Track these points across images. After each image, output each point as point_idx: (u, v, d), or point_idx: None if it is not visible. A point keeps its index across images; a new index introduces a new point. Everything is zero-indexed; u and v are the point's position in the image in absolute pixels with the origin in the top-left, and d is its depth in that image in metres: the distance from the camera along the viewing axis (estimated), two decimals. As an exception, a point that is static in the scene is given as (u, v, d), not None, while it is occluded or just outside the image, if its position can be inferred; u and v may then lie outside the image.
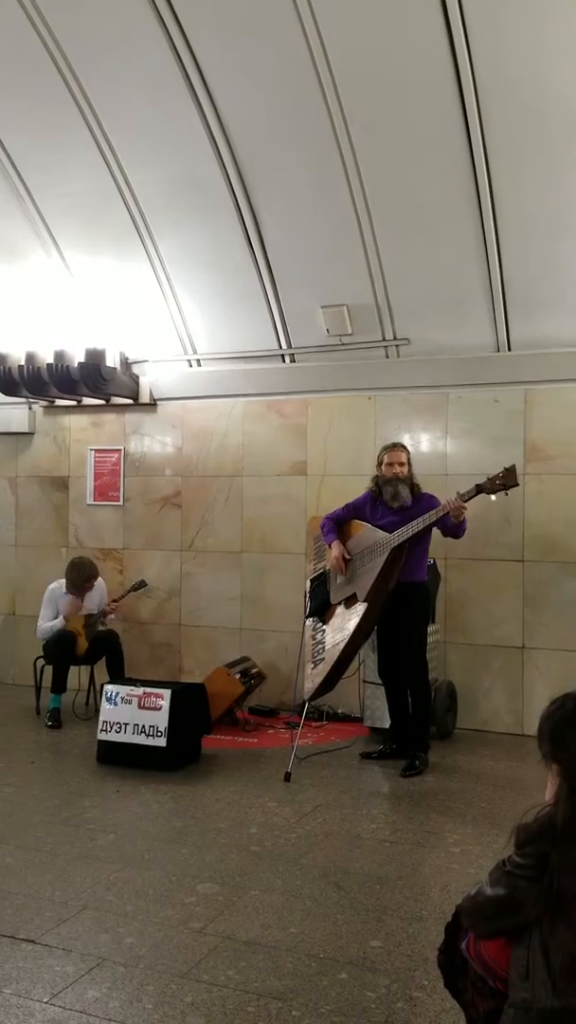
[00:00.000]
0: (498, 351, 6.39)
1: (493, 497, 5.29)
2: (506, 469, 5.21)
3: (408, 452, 5.68)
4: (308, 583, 5.85)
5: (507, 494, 5.28)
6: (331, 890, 3.79)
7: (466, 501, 5.23)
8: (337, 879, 3.90)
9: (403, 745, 5.60)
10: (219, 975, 3.07)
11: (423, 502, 5.47)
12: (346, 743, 6.12)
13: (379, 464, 5.64)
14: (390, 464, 5.55)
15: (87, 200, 6.69)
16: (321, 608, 5.63)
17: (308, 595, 5.80)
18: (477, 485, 5.23)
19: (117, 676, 6.53)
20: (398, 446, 5.69)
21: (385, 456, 5.60)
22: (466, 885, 2.36)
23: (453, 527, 5.38)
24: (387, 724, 5.93)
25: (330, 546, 5.62)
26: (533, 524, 6.33)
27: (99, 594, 6.93)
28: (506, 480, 5.18)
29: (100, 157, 6.37)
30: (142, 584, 7.10)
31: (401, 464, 5.55)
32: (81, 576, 6.76)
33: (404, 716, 5.66)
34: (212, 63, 5.74)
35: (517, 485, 5.26)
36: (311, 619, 5.70)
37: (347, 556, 5.50)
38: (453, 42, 5.19)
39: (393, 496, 5.49)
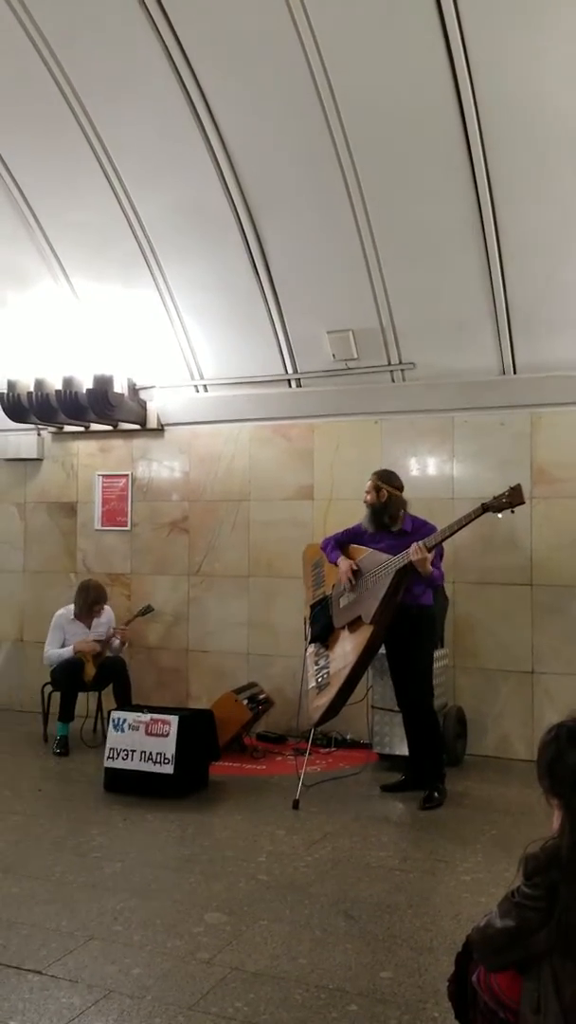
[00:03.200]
0: (503, 374, 6.40)
1: (500, 515, 5.26)
2: (511, 488, 5.19)
3: (376, 477, 5.64)
4: (308, 609, 5.83)
5: (513, 512, 5.25)
6: (341, 920, 3.74)
7: (431, 548, 5.17)
8: (347, 908, 3.85)
9: (419, 774, 5.52)
10: (227, 1007, 3.03)
11: (425, 529, 5.46)
12: (355, 770, 6.07)
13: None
14: (365, 493, 5.61)
15: (95, 228, 6.76)
16: (324, 633, 5.61)
17: (309, 621, 5.77)
18: (483, 504, 5.20)
19: (124, 703, 6.51)
20: (372, 475, 5.69)
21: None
22: (478, 914, 2.33)
23: (423, 580, 5.29)
24: (397, 750, 5.89)
25: (336, 563, 5.61)
26: (541, 547, 6.30)
27: (107, 621, 6.93)
28: (512, 498, 5.15)
29: (107, 185, 6.44)
30: (149, 609, 7.10)
31: (367, 492, 5.59)
32: (91, 599, 6.79)
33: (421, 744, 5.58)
34: (216, 92, 5.81)
35: (523, 503, 5.23)
36: (313, 645, 5.68)
37: (355, 567, 5.48)
38: (454, 66, 5.24)
39: (370, 522, 5.56)
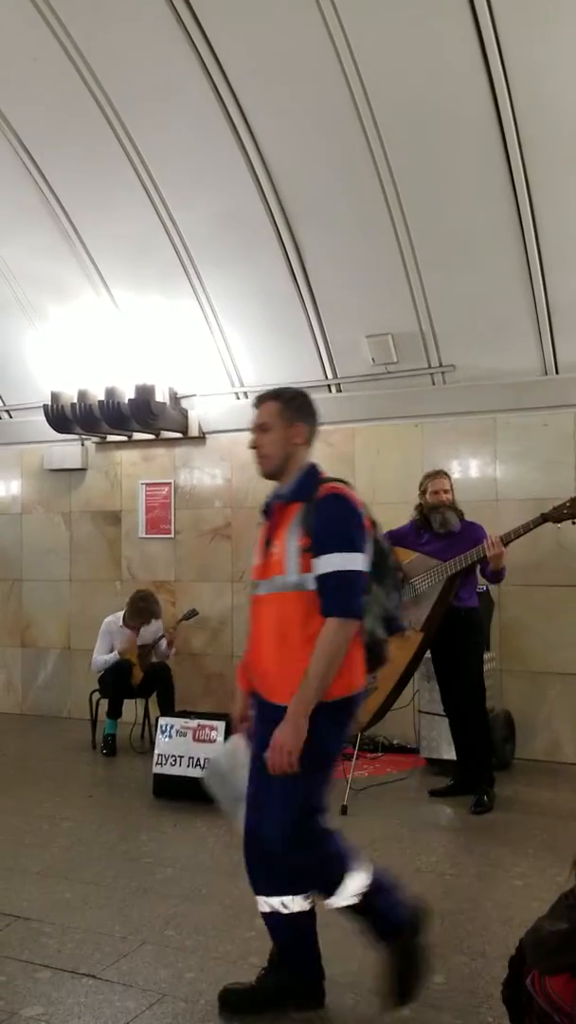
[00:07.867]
0: (546, 374, 6.34)
1: (559, 525, 5.26)
2: (572, 498, 5.20)
3: (450, 478, 5.65)
4: None
5: (574, 523, 5.24)
6: (391, 924, 3.72)
7: (507, 544, 5.16)
8: (397, 913, 3.83)
9: (468, 779, 5.48)
10: (280, 1011, 3.03)
11: (471, 530, 5.43)
12: (402, 775, 6.04)
13: (422, 492, 5.60)
14: (435, 492, 5.52)
15: (134, 239, 6.84)
16: None
17: None
18: (542, 514, 5.21)
19: (167, 709, 6.57)
20: (440, 473, 5.65)
21: (429, 484, 5.57)
22: (529, 919, 2.31)
23: (492, 573, 5.31)
24: (444, 755, 5.86)
25: None
26: (587, 548, 6.23)
27: (155, 628, 7.00)
28: (573, 509, 5.16)
29: (145, 197, 6.52)
30: (193, 613, 7.15)
31: (446, 491, 5.53)
32: (148, 610, 6.86)
33: (470, 748, 5.55)
34: (253, 101, 5.85)
35: None
36: None
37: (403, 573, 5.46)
38: (490, 68, 5.22)
39: (442, 523, 5.46)
